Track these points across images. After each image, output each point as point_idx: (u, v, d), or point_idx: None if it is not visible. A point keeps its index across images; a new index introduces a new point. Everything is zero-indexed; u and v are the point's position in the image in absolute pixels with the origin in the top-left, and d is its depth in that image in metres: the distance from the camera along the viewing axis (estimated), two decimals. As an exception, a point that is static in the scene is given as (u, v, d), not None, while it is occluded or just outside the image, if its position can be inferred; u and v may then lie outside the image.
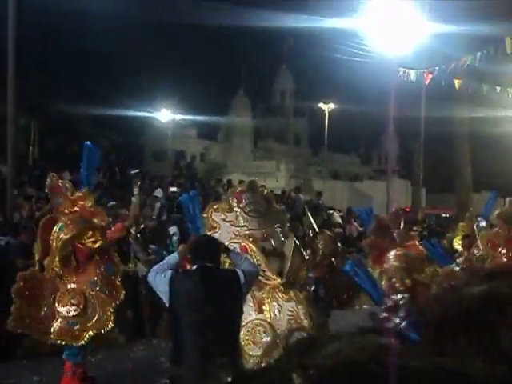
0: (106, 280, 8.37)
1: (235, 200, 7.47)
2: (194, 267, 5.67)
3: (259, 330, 7.18)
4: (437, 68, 18.34)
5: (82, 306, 8.17)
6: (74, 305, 8.21)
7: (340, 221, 23.37)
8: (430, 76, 18.63)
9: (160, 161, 46.71)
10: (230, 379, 0.95)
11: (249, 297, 6.84)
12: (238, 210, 7.41)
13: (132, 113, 39.21)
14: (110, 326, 8.19)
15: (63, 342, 8.15)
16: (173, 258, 6.06)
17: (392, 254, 7.47)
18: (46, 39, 32.47)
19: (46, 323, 8.18)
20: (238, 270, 5.79)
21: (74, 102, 31.10)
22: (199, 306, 5.42)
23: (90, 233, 8.21)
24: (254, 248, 7.22)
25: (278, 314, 7.30)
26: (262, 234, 7.38)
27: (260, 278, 6.88)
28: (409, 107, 27.15)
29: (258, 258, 7.14)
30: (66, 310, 8.19)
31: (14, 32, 14.13)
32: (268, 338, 7.17)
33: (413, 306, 7.34)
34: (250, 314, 7.08)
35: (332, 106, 50.82)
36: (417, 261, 8.53)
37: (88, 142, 8.81)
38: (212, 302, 5.44)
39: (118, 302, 8.32)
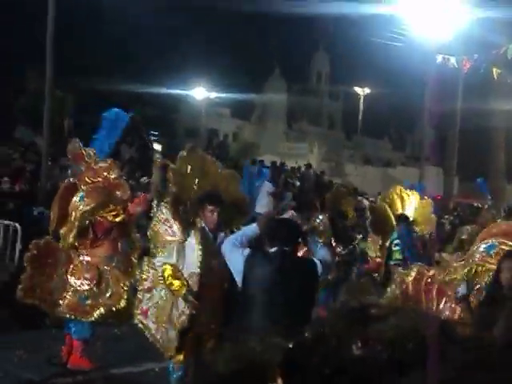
0: (122, 256, 8.06)
1: None
2: (273, 250, 5.46)
3: None
4: (476, 56, 18.11)
5: (95, 281, 7.90)
6: (86, 279, 7.93)
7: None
8: (469, 64, 18.41)
9: (192, 138, 46.78)
10: (290, 345, 0.93)
11: None
12: None
13: (167, 89, 39.26)
14: (122, 304, 7.83)
15: (72, 317, 7.91)
16: (251, 230, 5.78)
17: None
18: (83, 15, 32.62)
19: (56, 295, 7.92)
20: (315, 260, 5.58)
21: (110, 76, 31.24)
22: (274, 291, 5.25)
23: (112, 206, 7.89)
24: None
25: None
26: None
27: None
28: (445, 95, 26.88)
29: None
30: (78, 283, 7.92)
31: (53, 7, 14.23)
32: None
33: None
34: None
35: (367, 90, 50.49)
36: None
37: (116, 109, 8.45)
38: (287, 290, 5.25)
39: (132, 281, 7.79)
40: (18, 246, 11.54)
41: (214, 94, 44.58)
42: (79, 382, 8.36)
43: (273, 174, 24.35)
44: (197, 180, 6.86)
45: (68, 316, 7.95)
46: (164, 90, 38.53)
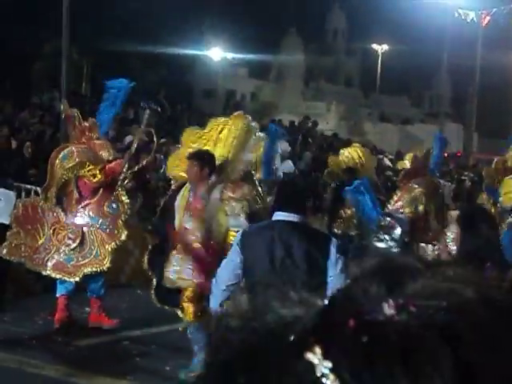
0: (108, 218, 8.09)
1: None
2: (276, 219, 4.82)
3: None
4: (495, 9, 17.87)
5: (78, 241, 7.98)
6: (71, 239, 8.03)
7: (390, 164, 23.24)
8: (488, 18, 18.19)
9: (210, 99, 46.61)
10: (323, 302, 0.88)
11: None
12: None
13: (183, 51, 39.06)
14: (106, 266, 7.95)
15: (58, 276, 8.04)
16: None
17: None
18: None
19: (43, 255, 8.04)
20: (333, 239, 4.83)
21: (125, 39, 31.10)
22: (279, 271, 4.54)
23: (90, 166, 7.96)
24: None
25: None
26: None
27: None
28: (463, 50, 26.60)
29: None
30: (63, 243, 8.04)
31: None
32: None
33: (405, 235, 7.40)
34: None
35: (385, 47, 50.00)
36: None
37: (118, 80, 8.56)
38: (294, 267, 4.54)
39: (118, 242, 8.00)
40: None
41: (230, 55, 44.32)
42: (104, 342, 8.49)
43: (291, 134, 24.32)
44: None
45: (54, 276, 8.10)
46: (180, 51, 38.32)
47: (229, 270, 4.77)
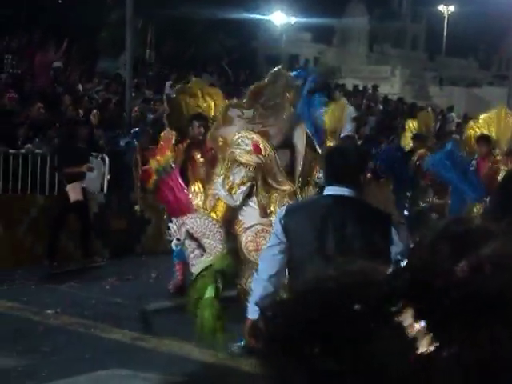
0: None
1: (255, 96, 6.57)
2: (327, 193, 4.17)
3: (263, 236, 6.18)
4: None
5: None
6: None
7: (453, 128, 22.84)
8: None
9: (273, 64, 46.29)
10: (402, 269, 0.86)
11: (253, 199, 6.32)
12: (257, 105, 6.52)
13: (245, 15, 38.88)
14: None
15: None
16: None
17: None
18: None
19: None
20: (392, 216, 4.25)
21: (188, 5, 31.09)
22: (327, 245, 3.89)
23: None
24: (268, 146, 6.31)
25: None
26: (277, 129, 6.49)
27: (270, 181, 6.27)
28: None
29: (271, 158, 6.27)
30: None
31: None
32: None
33: None
34: (253, 218, 6.37)
35: (452, 8, 48.91)
36: None
37: None
38: (344, 248, 3.80)
39: None
40: (106, 177, 11.82)
41: (293, 19, 43.95)
42: (171, 306, 8.62)
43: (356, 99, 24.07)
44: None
45: None
46: (243, 16, 38.15)
47: (268, 258, 4.15)
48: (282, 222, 4.03)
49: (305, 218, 4.03)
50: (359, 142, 18.91)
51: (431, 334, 0.80)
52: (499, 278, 0.78)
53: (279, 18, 43.21)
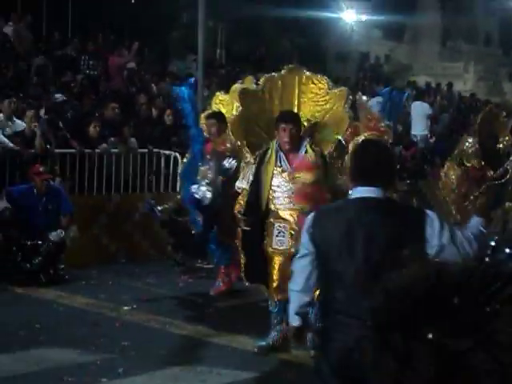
0: None
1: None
2: (354, 196, 3.89)
3: None
4: None
5: None
6: None
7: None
8: None
9: (343, 62, 46.17)
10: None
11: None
12: None
13: (315, 14, 38.77)
14: None
15: None
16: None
17: None
18: None
19: None
20: (429, 214, 3.80)
21: (259, 4, 31.20)
22: (357, 253, 3.68)
23: None
24: None
25: None
26: None
27: None
28: None
29: None
30: None
31: None
32: None
33: None
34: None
35: (527, 2, 47.84)
36: None
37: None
38: (374, 254, 3.60)
39: None
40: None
41: (364, 17, 43.65)
42: (244, 303, 8.69)
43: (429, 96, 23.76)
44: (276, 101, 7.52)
45: None
46: (313, 14, 38.05)
47: (299, 270, 4.03)
48: (309, 232, 3.88)
49: (332, 227, 3.81)
50: (432, 140, 18.71)
51: None
52: None
53: (350, 16, 42.98)
